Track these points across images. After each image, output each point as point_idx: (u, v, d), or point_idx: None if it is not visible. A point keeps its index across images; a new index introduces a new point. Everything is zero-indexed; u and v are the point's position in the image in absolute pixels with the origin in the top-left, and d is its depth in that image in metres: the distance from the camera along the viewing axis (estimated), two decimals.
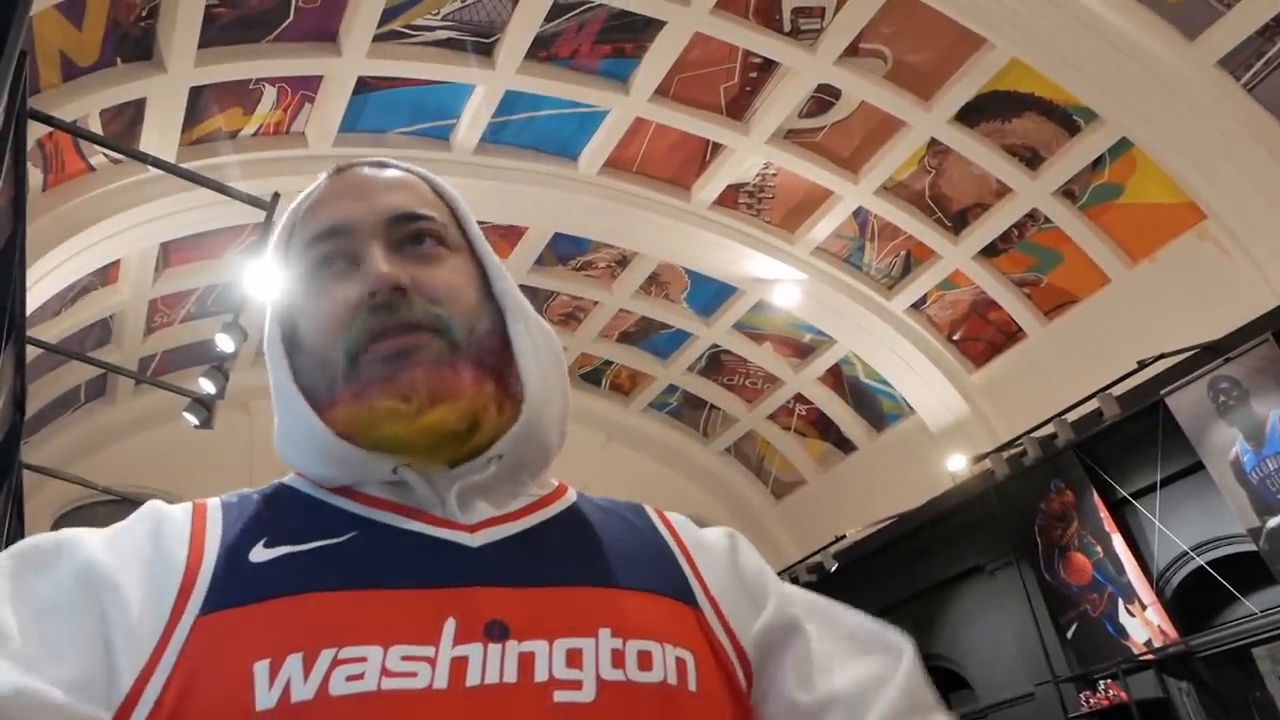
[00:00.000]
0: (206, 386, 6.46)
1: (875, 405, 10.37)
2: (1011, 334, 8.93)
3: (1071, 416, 7.92)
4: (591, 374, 11.22)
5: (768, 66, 7.38)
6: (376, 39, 6.69)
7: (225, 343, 6.22)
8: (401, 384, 0.76)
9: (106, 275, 7.77)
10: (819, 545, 10.34)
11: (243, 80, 6.74)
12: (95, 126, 6.35)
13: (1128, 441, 7.72)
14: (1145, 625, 7.53)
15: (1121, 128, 7.03)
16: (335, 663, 0.64)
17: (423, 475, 0.78)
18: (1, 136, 3.24)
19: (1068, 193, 7.71)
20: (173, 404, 7.61)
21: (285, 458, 0.85)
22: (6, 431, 5.02)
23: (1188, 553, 7.36)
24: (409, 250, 0.83)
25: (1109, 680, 7.68)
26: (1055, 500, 8.30)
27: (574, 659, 0.68)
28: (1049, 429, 8.08)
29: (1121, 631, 7.69)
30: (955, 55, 7.08)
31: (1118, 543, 7.70)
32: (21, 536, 7.17)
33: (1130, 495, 7.72)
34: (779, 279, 9.23)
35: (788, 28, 7.01)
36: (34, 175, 6.08)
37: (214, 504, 0.80)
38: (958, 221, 8.40)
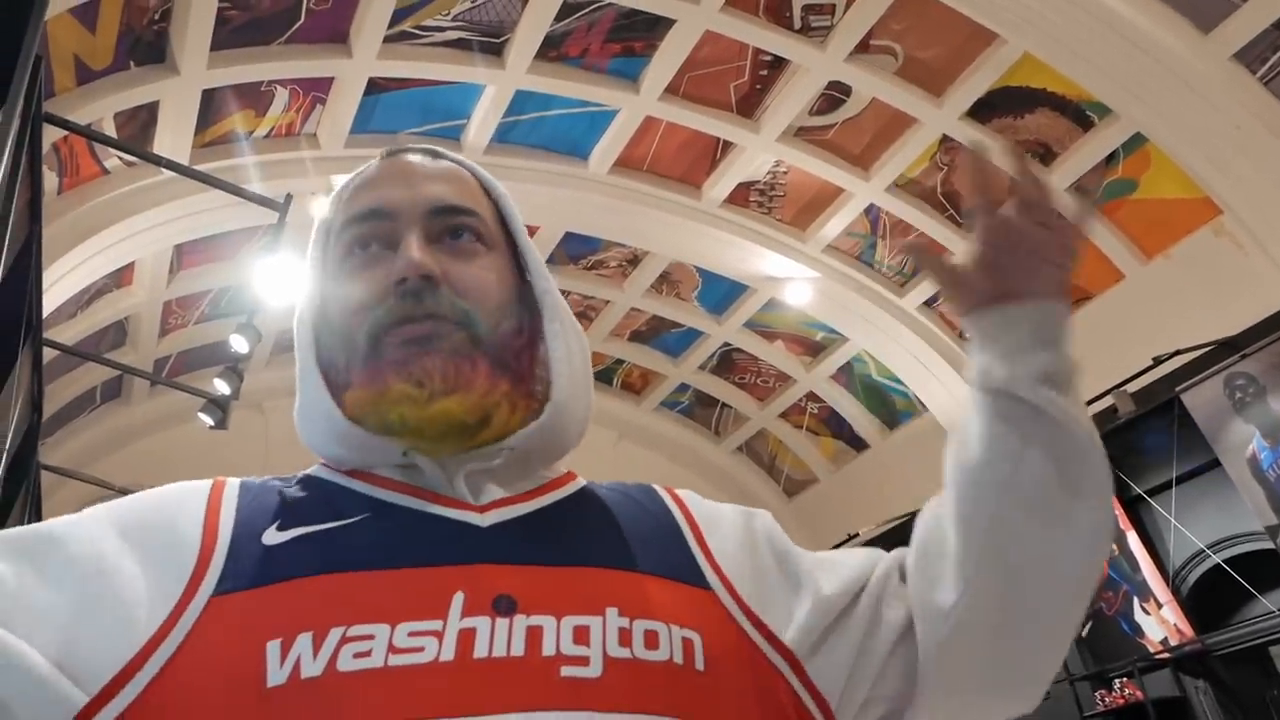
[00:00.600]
0: (221, 387, 6.51)
1: (888, 403, 10.34)
2: None
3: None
4: (603, 373, 11.23)
5: (778, 64, 7.37)
6: (387, 40, 6.72)
7: (239, 344, 6.26)
8: (416, 369, 0.76)
9: (121, 277, 7.82)
10: (832, 544, 10.32)
11: (255, 82, 6.77)
12: (109, 130, 6.39)
13: (1143, 438, 7.68)
14: (1161, 624, 7.48)
15: (1135, 123, 6.99)
16: (344, 640, 0.65)
17: (433, 459, 0.79)
18: (17, 140, 3.26)
19: (1081, 189, 7.66)
20: (188, 405, 7.67)
21: (302, 436, 0.86)
22: (25, 432, 5.06)
23: (1204, 550, 7.31)
24: (446, 243, 0.84)
25: (1124, 679, 7.65)
26: None
27: (581, 635, 0.69)
28: None
29: (1137, 630, 7.65)
30: (967, 51, 7.05)
31: (1133, 540, 7.66)
32: None
33: (1145, 493, 7.67)
34: (790, 277, 9.21)
35: (798, 25, 7.00)
36: (49, 178, 6.13)
37: (233, 484, 0.81)
38: (970, 219, 8.34)
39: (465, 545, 0.74)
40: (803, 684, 0.78)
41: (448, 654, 0.65)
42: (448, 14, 6.73)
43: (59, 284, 6.69)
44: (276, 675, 0.64)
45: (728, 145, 8.12)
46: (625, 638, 0.70)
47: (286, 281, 6.03)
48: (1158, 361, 7.21)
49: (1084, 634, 8.13)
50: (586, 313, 10.14)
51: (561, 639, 0.68)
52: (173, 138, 6.74)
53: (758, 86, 7.59)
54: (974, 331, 0.89)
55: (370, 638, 0.65)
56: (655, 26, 7.00)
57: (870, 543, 10.13)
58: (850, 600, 0.84)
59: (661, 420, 11.82)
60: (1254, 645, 7.22)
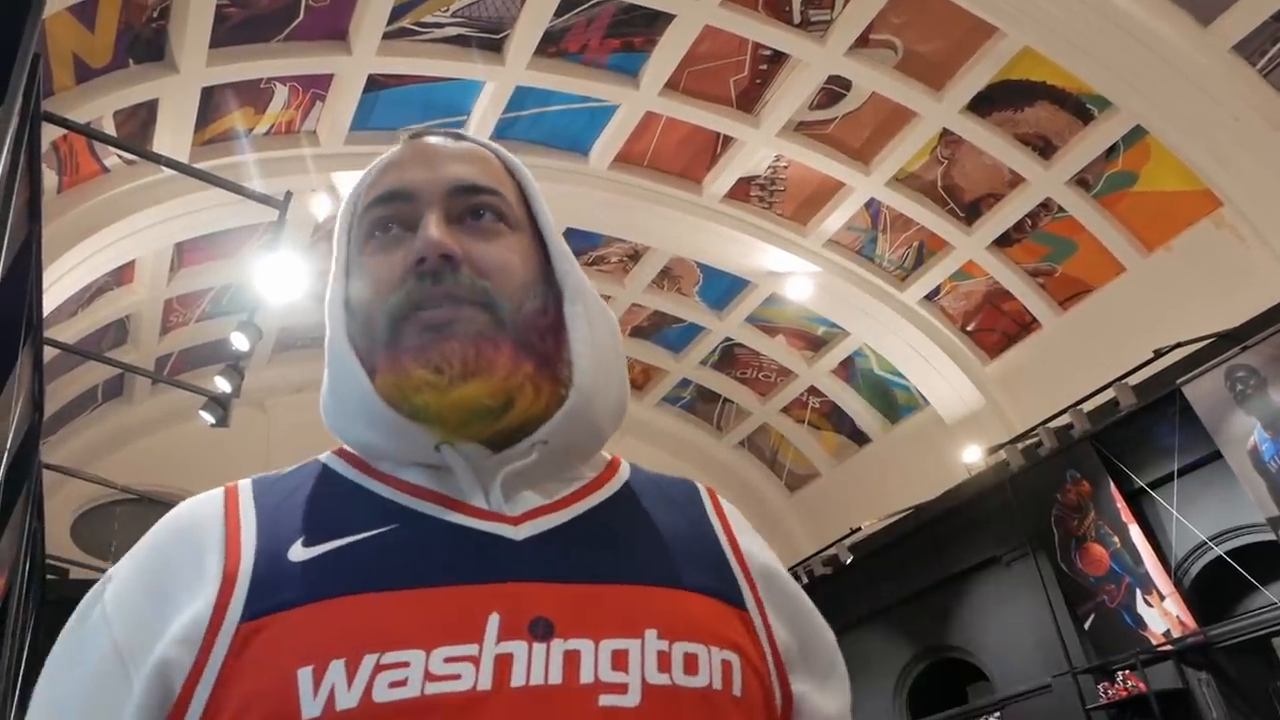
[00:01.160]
0: (222, 385, 6.51)
1: (889, 397, 10.34)
2: (1026, 324, 8.89)
3: (1087, 406, 7.88)
4: None
5: (778, 58, 7.36)
6: (386, 36, 6.71)
7: (240, 341, 6.26)
8: (435, 355, 0.75)
9: (122, 276, 7.82)
10: (834, 538, 10.32)
11: (254, 80, 6.77)
12: (109, 128, 6.39)
13: (1144, 431, 7.68)
14: (1164, 616, 7.49)
15: (1135, 115, 6.98)
16: (378, 668, 0.63)
17: (466, 460, 0.76)
18: (16, 139, 3.26)
19: (1081, 181, 7.66)
20: (189, 403, 7.67)
21: (331, 424, 0.83)
22: (26, 431, 5.07)
23: (1206, 543, 7.32)
24: (468, 223, 0.82)
25: (1127, 671, 7.65)
26: (1071, 491, 8.26)
27: (620, 661, 0.67)
28: (1065, 419, 8.04)
29: (1140, 622, 7.65)
30: (966, 44, 7.04)
31: (1135, 533, 7.66)
32: (42, 536, 7.24)
33: (1147, 485, 7.67)
34: (791, 272, 9.21)
35: (797, 19, 6.99)
36: (49, 177, 6.13)
37: (246, 490, 0.79)
38: (970, 212, 8.36)
39: (499, 561, 0.71)
40: None
41: (485, 682, 0.63)
42: (447, 10, 6.72)
43: (60, 283, 6.69)
44: (311, 707, 0.62)
45: (728, 140, 8.11)
46: (664, 662, 0.68)
47: (287, 279, 6.04)
48: (1159, 354, 7.21)
49: (1086, 627, 8.14)
50: None
51: (600, 665, 0.66)
52: (172, 136, 6.74)
53: (758, 81, 7.58)
54: None
55: (406, 665, 0.63)
56: (655, 21, 6.99)
57: (874, 536, 10.18)
58: None
59: (663, 415, 11.83)
60: (1256, 637, 7.22)
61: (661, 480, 0.89)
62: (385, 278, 0.79)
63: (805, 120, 7.86)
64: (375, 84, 7.14)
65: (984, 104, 7.40)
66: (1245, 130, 6.53)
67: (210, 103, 6.78)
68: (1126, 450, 7.86)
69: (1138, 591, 7.65)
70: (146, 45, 6.22)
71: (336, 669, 0.63)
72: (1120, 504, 7.79)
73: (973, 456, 9.08)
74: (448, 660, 0.64)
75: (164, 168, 6.65)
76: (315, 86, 7.08)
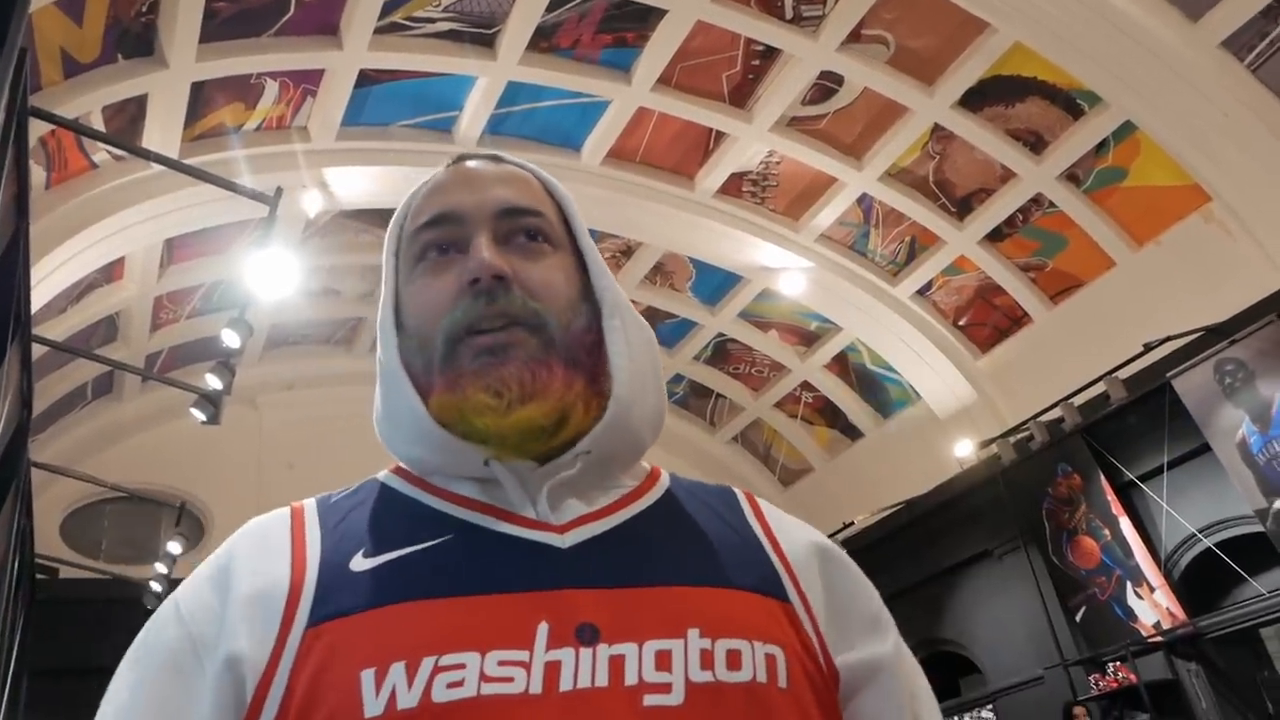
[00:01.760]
0: (213, 382, 6.48)
1: (882, 392, 10.36)
2: (1017, 319, 8.92)
3: (1078, 400, 7.91)
4: None
5: (770, 54, 7.36)
6: (378, 31, 6.68)
7: (231, 338, 6.23)
8: (494, 380, 0.78)
9: (111, 272, 7.79)
10: (827, 533, 10.27)
11: (244, 75, 6.74)
12: (97, 123, 6.35)
13: (1134, 424, 7.71)
14: (1154, 607, 7.53)
15: (1125, 111, 7.01)
16: (436, 670, 0.66)
17: (513, 473, 0.80)
18: (3, 134, 3.24)
19: (1072, 177, 7.68)
20: (180, 400, 7.64)
21: (384, 438, 0.87)
22: (14, 430, 5.04)
23: (1195, 535, 7.36)
24: (515, 243, 0.85)
25: (1118, 663, 7.70)
26: (1062, 484, 8.30)
27: (663, 661, 0.69)
28: (1056, 413, 8.08)
29: (1130, 614, 7.70)
30: (958, 40, 7.05)
31: (1125, 525, 7.71)
32: (31, 534, 7.21)
33: (1138, 478, 7.71)
34: (784, 267, 9.22)
35: (789, 15, 6.99)
36: (37, 173, 6.09)
37: (311, 509, 0.83)
38: (962, 207, 8.38)
39: (547, 570, 0.74)
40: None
41: (536, 686, 0.67)
42: (438, 5, 6.70)
43: (48, 279, 6.65)
44: (373, 706, 0.65)
45: (720, 136, 8.11)
46: (707, 660, 0.70)
47: (278, 275, 6.02)
48: (1148, 348, 7.24)
49: (1078, 619, 8.18)
50: None
51: (644, 667, 0.69)
52: (162, 131, 6.70)
53: (750, 76, 7.58)
54: None
55: (462, 666, 0.67)
56: (647, 17, 6.98)
57: (867, 530, 10.20)
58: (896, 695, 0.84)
59: None
60: (1245, 627, 7.28)
61: (700, 487, 0.92)
62: (439, 299, 0.83)
63: (797, 116, 7.87)
64: (366, 79, 7.12)
65: (975, 99, 7.42)
66: (1234, 125, 6.56)
67: (200, 98, 6.75)
68: (1117, 443, 7.90)
69: (1128, 584, 7.69)
70: (135, 40, 6.18)
71: (397, 670, 0.67)
72: (1111, 497, 7.83)
73: (964, 450, 9.11)
74: (501, 664, 0.67)
75: (153, 164, 6.61)
76: (306, 82, 7.05)
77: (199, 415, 6.62)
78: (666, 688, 0.68)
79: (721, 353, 10.83)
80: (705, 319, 10.24)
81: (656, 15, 6.95)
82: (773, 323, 10.22)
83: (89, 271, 7.29)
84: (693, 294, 10.03)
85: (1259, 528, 6.73)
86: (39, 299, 6.34)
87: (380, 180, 7.81)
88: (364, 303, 9.55)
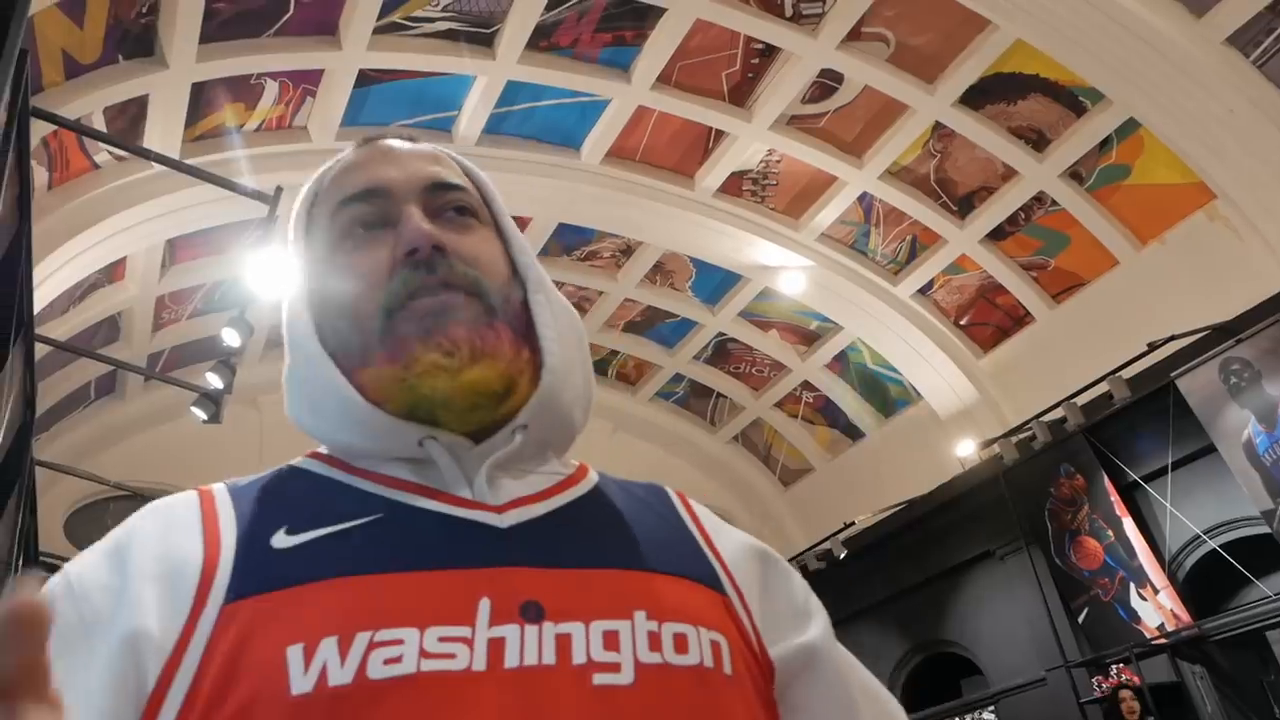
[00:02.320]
0: (214, 381, 6.47)
1: (883, 392, 10.34)
2: (1019, 318, 8.90)
3: (1081, 400, 7.89)
4: (598, 364, 11.22)
5: (769, 52, 7.34)
6: (377, 31, 6.68)
7: (232, 337, 6.23)
8: (443, 339, 0.76)
9: (113, 272, 7.78)
10: (827, 533, 10.33)
11: (244, 75, 6.73)
12: (99, 124, 6.35)
13: (1138, 424, 7.69)
14: (1158, 609, 7.50)
15: (1128, 108, 6.98)
16: (372, 645, 0.62)
17: (449, 451, 0.77)
18: (5, 135, 3.23)
19: (1075, 175, 7.66)
20: (182, 400, 7.64)
21: (305, 426, 0.83)
22: (18, 429, 5.04)
23: (1200, 536, 7.33)
24: (445, 218, 0.84)
25: (1121, 664, 7.67)
26: (1065, 484, 8.27)
27: (611, 641, 0.67)
28: (1058, 413, 8.05)
29: (1134, 615, 7.67)
30: (959, 37, 7.03)
31: (1129, 526, 7.68)
32: (35, 533, 7.21)
33: (1141, 479, 7.69)
34: (784, 266, 9.20)
35: (789, 13, 6.98)
36: (39, 174, 6.09)
37: (220, 490, 0.78)
38: (963, 205, 8.36)
39: (487, 548, 0.71)
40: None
41: (479, 663, 0.63)
42: (437, 5, 6.69)
43: (50, 280, 6.65)
44: (301, 683, 0.61)
45: (720, 134, 8.10)
46: (655, 641, 0.69)
47: (279, 275, 6.01)
48: (1152, 347, 7.21)
49: (1080, 620, 8.16)
50: (581, 304, 10.11)
51: (591, 645, 0.67)
52: (163, 132, 6.70)
53: (750, 75, 7.56)
54: None
55: (400, 642, 0.63)
56: (646, 15, 6.97)
57: (868, 531, 10.17)
58: (838, 688, 0.82)
59: (657, 411, 11.82)
60: (1251, 630, 7.24)
61: (630, 484, 0.90)
62: (371, 273, 0.80)
63: (798, 114, 7.85)
64: (366, 79, 7.11)
65: (977, 97, 7.40)
66: (1239, 122, 6.53)
67: (200, 99, 6.74)
68: (1120, 444, 7.87)
69: (1131, 585, 7.67)
70: (136, 41, 6.18)
71: (328, 646, 0.62)
72: (1114, 497, 7.80)
73: (966, 450, 9.09)
74: (442, 640, 0.64)
75: (155, 164, 6.60)
76: (305, 82, 7.04)
77: (200, 414, 6.61)
78: (616, 667, 0.66)
79: (722, 352, 10.82)
80: (705, 318, 10.22)
81: (655, 14, 6.93)
82: (773, 322, 10.21)
83: (91, 272, 7.29)
84: (693, 293, 10.01)
85: (1265, 529, 6.70)
86: (42, 299, 6.34)
87: None
88: None
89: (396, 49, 6.89)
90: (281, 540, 0.70)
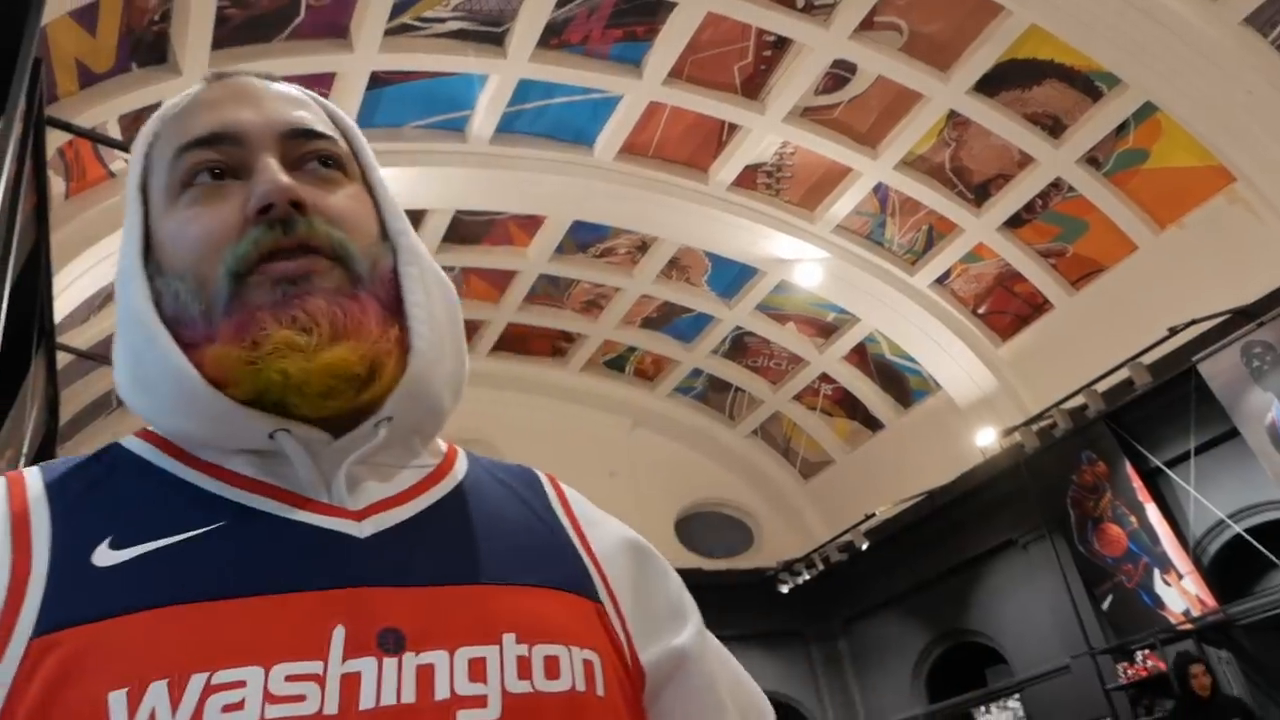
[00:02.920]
0: None
1: (902, 382, 10.30)
2: (1038, 305, 8.84)
3: (1102, 386, 7.84)
4: (615, 360, 11.22)
5: (781, 44, 7.31)
6: (388, 33, 6.69)
7: None
8: (299, 313, 0.65)
9: None
10: (849, 525, 10.30)
11: None
12: (114, 132, 6.38)
13: (1160, 410, 7.63)
14: (1183, 595, 7.45)
15: (1145, 91, 6.92)
16: (208, 689, 0.55)
17: (304, 446, 0.67)
18: (21, 144, 3.26)
19: (1092, 160, 7.60)
20: None
21: (136, 407, 0.72)
22: (43, 437, 5.08)
23: (1225, 520, 7.27)
24: (307, 169, 0.73)
25: (1147, 650, 7.62)
26: (1087, 471, 8.22)
27: (477, 671, 0.61)
28: (1079, 400, 8.00)
29: (1158, 602, 7.62)
30: (972, 24, 6.98)
31: (1152, 512, 7.63)
32: None
33: (1164, 464, 7.63)
34: (800, 258, 9.17)
35: (801, 4, 6.94)
36: (56, 183, 6.14)
37: (34, 483, 0.66)
38: (980, 194, 8.30)
39: (342, 563, 0.64)
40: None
41: (331, 705, 0.56)
42: (447, 4, 6.69)
43: (71, 288, 6.71)
44: None
45: (733, 128, 8.07)
46: (524, 668, 0.63)
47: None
48: (1173, 332, 7.15)
49: (1105, 607, 8.11)
50: (597, 300, 10.12)
51: (456, 678, 0.60)
52: None
53: (762, 67, 7.53)
54: None
55: (241, 684, 0.55)
56: (656, 10, 6.95)
57: (888, 522, 10.14)
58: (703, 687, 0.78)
59: (675, 406, 11.81)
60: (1277, 614, 7.18)
61: (501, 469, 0.83)
62: (218, 230, 0.68)
63: (811, 105, 7.82)
64: (378, 81, 7.12)
65: (991, 84, 7.34)
66: (1258, 104, 6.46)
67: None
68: (1142, 430, 7.82)
69: (1156, 571, 7.62)
70: (149, 48, 6.21)
71: (157, 691, 0.54)
72: (1137, 483, 7.75)
73: (987, 440, 9.05)
74: (289, 679, 0.56)
75: None
76: (318, 85, 7.06)
77: None
78: (482, 700, 0.60)
79: (739, 346, 10.79)
80: (722, 312, 10.21)
81: (666, 8, 6.91)
82: (790, 315, 10.18)
83: (109, 280, 7.34)
84: (709, 288, 9.99)
85: None
86: (62, 308, 6.40)
87: (394, 181, 7.73)
88: None
89: (408, 50, 6.90)
90: (105, 556, 0.61)
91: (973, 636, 9.82)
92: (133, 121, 6.51)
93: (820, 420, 11.29)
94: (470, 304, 9.82)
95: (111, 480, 0.68)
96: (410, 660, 0.60)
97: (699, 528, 11.91)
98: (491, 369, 10.43)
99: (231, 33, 6.32)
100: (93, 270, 6.91)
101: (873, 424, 10.85)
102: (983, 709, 9.67)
